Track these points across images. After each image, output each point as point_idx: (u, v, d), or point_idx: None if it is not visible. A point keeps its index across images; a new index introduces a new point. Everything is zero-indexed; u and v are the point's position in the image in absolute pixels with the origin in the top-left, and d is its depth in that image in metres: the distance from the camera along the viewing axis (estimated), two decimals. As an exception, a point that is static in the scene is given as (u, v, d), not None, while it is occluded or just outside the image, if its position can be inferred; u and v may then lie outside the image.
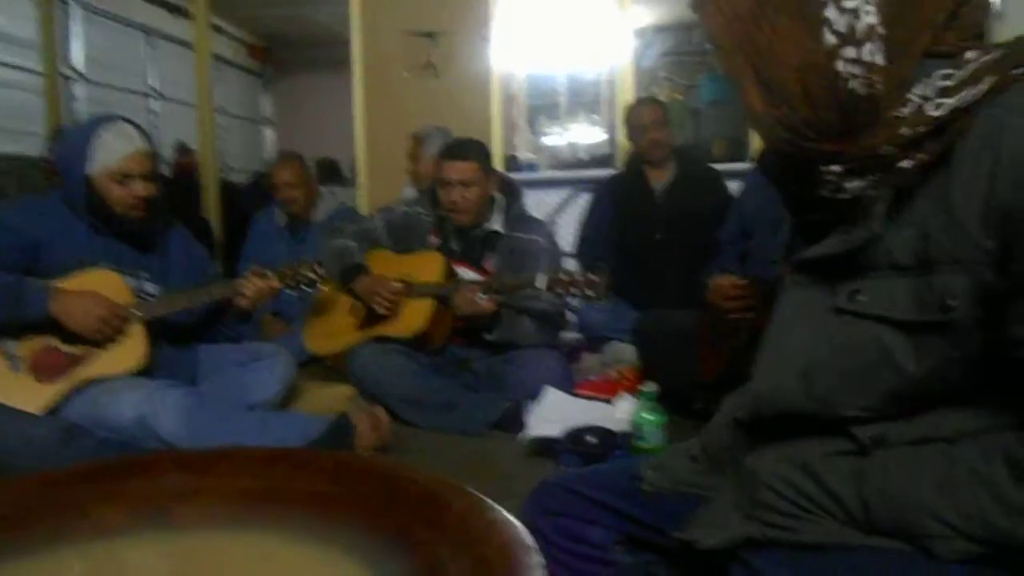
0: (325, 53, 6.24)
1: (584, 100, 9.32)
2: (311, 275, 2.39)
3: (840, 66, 0.78)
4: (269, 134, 9.26)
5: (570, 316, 3.26)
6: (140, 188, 2.13)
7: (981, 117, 0.75)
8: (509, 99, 8.71)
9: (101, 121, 2.16)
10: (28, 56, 4.97)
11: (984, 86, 0.76)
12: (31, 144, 4.92)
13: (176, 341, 2.32)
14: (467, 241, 2.62)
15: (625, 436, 1.80)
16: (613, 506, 1.03)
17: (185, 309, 2.23)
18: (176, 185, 4.42)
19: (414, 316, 2.48)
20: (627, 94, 4.09)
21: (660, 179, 3.34)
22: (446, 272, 2.54)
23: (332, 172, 4.83)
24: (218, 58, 7.49)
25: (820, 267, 0.86)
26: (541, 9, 6.80)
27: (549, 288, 2.37)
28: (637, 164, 3.43)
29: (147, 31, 6.72)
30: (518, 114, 9.15)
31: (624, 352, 2.86)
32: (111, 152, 2.11)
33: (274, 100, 9.28)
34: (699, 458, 1.03)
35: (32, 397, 1.97)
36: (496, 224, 2.63)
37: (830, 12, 0.78)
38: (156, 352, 2.18)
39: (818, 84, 0.80)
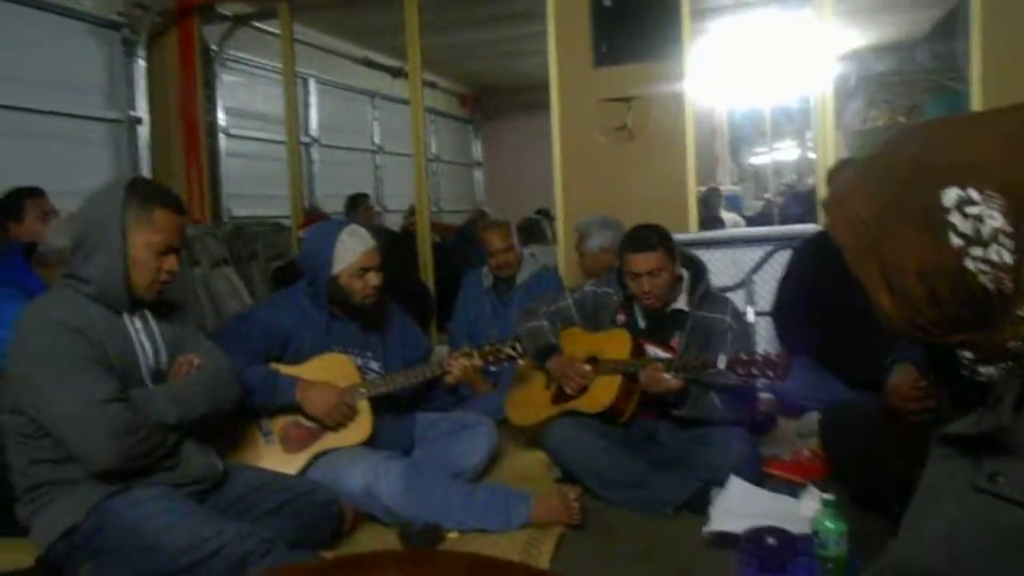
0: (529, 97, 6.51)
1: (789, 127, 9.03)
2: (511, 352, 2.61)
3: (969, 264, 0.82)
4: (479, 175, 9.85)
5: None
6: (374, 279, 2.47)
7: None
8: (711, 134, 8.62)
9: (338, 228, 2.50)
10: (272, 129, 5.63)
11: None
12: (275, 206, 5.57)
13: (396, 411, 2.61)
14: (655, 320, 2.68)
15: (806, 540, 1.79)
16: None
17: (402, 387, 2.51)
18: (403, 245, 4.83)
19: (603, 392, 2.58)
20: (828, 118, 3.91)
21: (862, 242, 3.15)
22: (633, 349, 2.61)
23: (533, 232, 5.04)
24: (432, 111, 8.12)
25: (962, 441, 0.88)
26: (740, 42, 6.69)
27: (730, 368, 2.40)
28: (837, 225, 3.27)
29: (371, 95, 7.39)
30: (720, 147, 9.03)
31: (820, 423, 2.74)
32: (351, 253, 2.45)
33: (483, 144, 9.86)
34: None
35: (281, 465, 2.31)
36: (682, 302, 2.67)
37: (954, 218, 0.82)
38: (380, 423, 2.46)
39: (944, 286, 0.83)
